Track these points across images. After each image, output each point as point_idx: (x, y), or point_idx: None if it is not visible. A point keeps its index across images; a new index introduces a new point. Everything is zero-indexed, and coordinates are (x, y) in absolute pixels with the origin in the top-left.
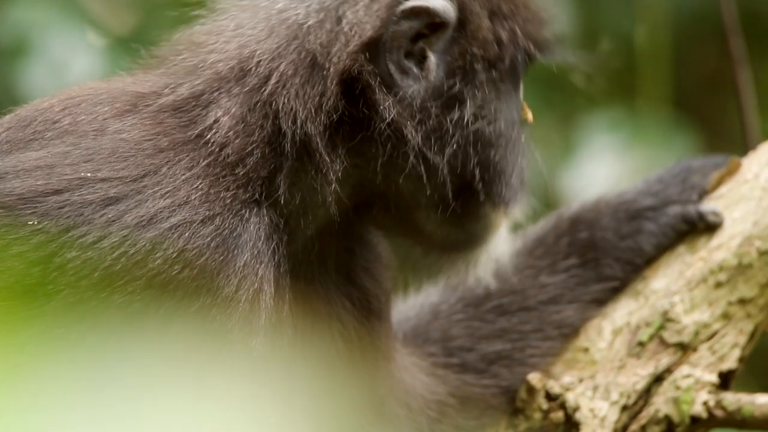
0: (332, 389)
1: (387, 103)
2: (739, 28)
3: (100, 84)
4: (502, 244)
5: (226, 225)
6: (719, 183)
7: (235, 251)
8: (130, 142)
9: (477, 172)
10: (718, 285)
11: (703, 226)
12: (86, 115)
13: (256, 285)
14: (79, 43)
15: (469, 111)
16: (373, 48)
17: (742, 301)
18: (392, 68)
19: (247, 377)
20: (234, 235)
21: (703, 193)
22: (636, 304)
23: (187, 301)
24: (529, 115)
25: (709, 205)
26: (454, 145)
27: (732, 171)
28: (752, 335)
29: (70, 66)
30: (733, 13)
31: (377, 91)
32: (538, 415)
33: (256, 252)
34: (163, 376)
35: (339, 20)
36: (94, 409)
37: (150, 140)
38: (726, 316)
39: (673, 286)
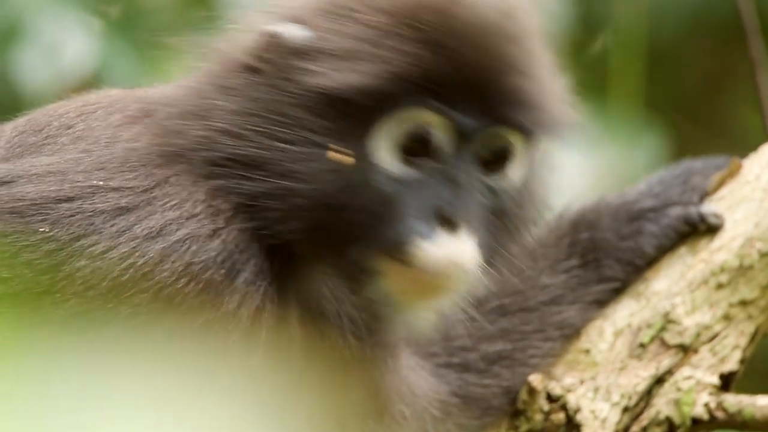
0: (338, 387)
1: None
2: (758, 28)
3: (120, 91)
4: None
5: (231, 240)
6: (720, 184)
7: (239, 267)
8: (141, 151)
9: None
10: (719, 286)
11: (704, 228)
12: (100, 122)
13: (258, 302)
14: (73, 26)
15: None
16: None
17: (744, 303)
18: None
19: (247, 392)
20: (239, 250)
21: (704, 195)
22: (637, 306)
23: (191, 315)
24: (335, 156)
25: (710, 207)
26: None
27: (733, 172)
28: (753, 337)
29: (64, 49)
30: (752, 14)
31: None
32: (539, 417)
33: (258, 269)
34: (165, 388)
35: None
36: (97, 417)
37: (158, 148)
38: (727, 318)
39: (675, 288)
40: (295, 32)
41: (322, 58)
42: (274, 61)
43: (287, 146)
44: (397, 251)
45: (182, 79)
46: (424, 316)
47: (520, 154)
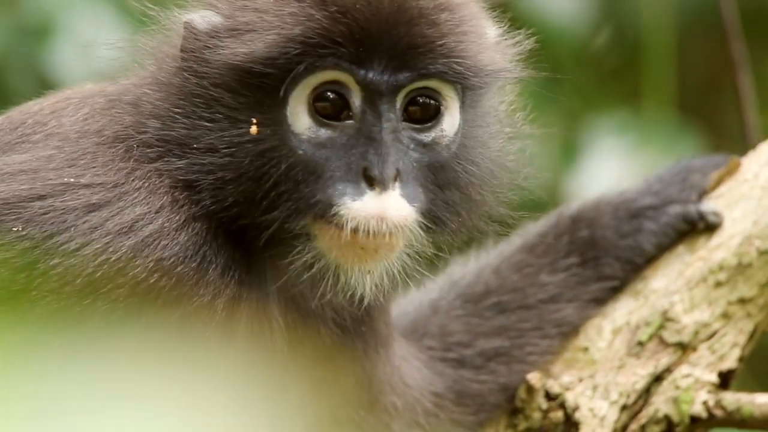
0: (328, 377)
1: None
2: (739, 28)
3: (92, 87)
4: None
5: (198, 231)
6: (719, 182)
7: (210, 259)
8: (108, 145)
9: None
10: (718, 284)
11: (703, 226)
12: (70, 117)
13: (233, 292)
14: (105, 22)
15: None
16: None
17: (742, 301)
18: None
19: (228, 382)
20: (207, 242)
21: (703, 193)
22: (636, 304)
23: (166, 309)
24: (253, 129)
25: (709, 205)
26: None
27: (732, 170)
28: (752, 335)
29: (97, 45)
30: (734, 15)
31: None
32: (537, 415)
33: (230, 259)
34: (144, 382)
35: None
36: (77, 414)
37: (123, 142)
38: (726, 316)
39: (673, 286)
40: (206, 17)
41: (230, 36)
42: (191, 47)
43: (210, 124)
44: (328, 214)
45: (138, 73)
46: (367, 278)
47: (448, 105)
